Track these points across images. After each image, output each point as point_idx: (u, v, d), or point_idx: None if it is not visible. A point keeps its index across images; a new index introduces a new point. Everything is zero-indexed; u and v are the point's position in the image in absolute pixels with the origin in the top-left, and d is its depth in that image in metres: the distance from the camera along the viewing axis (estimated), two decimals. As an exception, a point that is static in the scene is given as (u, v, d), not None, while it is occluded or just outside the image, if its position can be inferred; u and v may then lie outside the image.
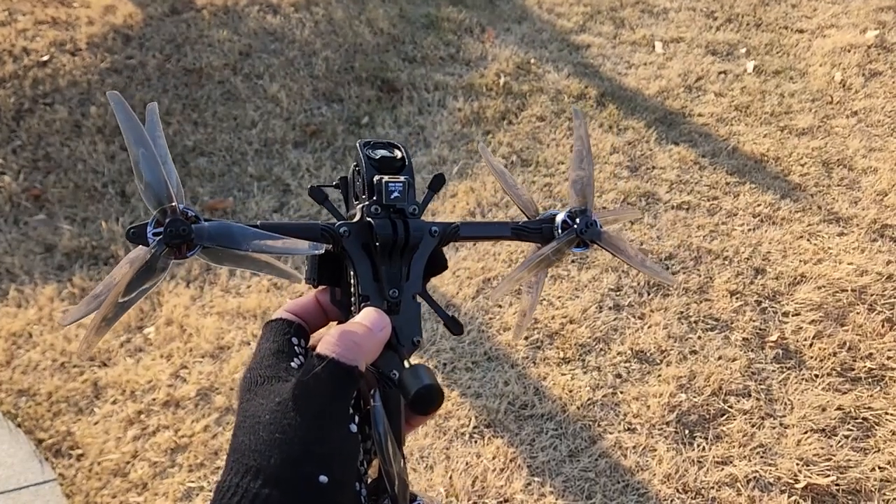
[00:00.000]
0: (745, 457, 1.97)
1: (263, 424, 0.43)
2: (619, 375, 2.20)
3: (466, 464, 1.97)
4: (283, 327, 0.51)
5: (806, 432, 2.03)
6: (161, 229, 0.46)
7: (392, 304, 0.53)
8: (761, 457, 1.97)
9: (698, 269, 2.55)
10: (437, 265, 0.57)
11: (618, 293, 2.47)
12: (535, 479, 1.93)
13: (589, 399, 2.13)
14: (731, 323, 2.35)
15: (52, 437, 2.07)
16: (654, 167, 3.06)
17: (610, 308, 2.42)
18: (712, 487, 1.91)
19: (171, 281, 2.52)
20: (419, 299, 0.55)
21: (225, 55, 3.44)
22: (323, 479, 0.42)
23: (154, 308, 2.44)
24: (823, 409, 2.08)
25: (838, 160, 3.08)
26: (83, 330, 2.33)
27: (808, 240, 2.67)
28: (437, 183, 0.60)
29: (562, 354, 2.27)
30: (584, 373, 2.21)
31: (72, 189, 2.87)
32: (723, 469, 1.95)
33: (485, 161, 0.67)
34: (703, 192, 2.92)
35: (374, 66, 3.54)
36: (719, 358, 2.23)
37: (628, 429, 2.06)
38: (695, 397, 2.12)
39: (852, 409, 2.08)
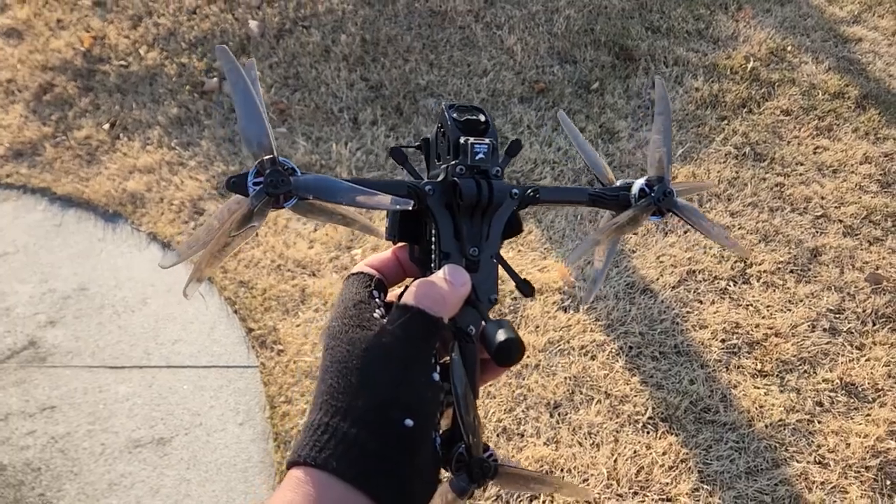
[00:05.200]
0: (954, 529, 1.74)
1: (351, 369, 0.45)
2: (820, 403, 2.02)
3: (634, 452, 1.92)
4: (364, 280, 0.53)
5: None
6: (261, 179, 0.48)
7: (471, 262, 0.54)
8: (975, 534, 1.73)
9: (941, 310, 2.24)
10: (514, 228, 0.58)
11: (837, 316, 2.25)
12: (705, 486, 1.84)
13: (780, 420, 1.97)
14: (970, 378, 2.05)
15: (260, 329, 2.28)
16: (910, 186, 2.71)
17: (825, 330, 2.20)
18: (906, 551, 1.71)
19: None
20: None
21: (471, 1, 3.50)
22: (409, 422, 0.43)
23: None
24: None
25: None
26: (300, 239, 2.54)
27: None
28: (514, 148, 0.59)
29: (759, 366, 2.11)
30: (781, 391, 2.04)
31: (312, 109, 3.09)
32: (924, 535, 1.73)
33: (562, 125, 0.64)
34: (966, 224, 2.55)
35: (615, 31, 3.43)
36: (946, 413, 1.97)
37: (819, 462, 1.89)
38: (907, 449, 1.90)
39: None
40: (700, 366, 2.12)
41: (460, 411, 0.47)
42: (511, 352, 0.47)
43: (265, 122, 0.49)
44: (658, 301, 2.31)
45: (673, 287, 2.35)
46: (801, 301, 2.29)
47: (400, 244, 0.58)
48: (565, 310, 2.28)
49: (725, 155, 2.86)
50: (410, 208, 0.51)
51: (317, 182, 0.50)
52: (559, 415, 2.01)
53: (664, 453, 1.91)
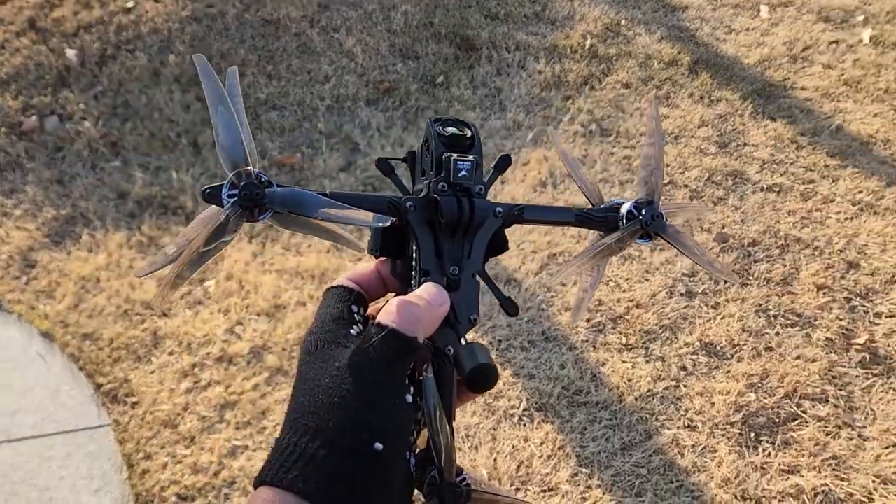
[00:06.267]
0: (814, 468, 1.82)
1: (322, 388, 0.44)
2: (683, 368, 2.07)
3: (513, 447, 1.90)
4: (343, 294, 0.53)
5: (888, 447, 1.85)
6: (236, 192, 0.48)
7: (452, 280, 0.53)
8: (833, 469, 1.81)
9: (783, 259, 2.36)
10: (498, 246, 0.57)
11: (691, 279, 2.32)
12: (583, 469, 1.84)
13: (649, 391, 2.01)
14: (815, 320, 2.16)
15: (111, 383, 2.12)
16: (745, 144, 2.84)
17: (681, 294, 2.27)
18: (774, 497, 1.77)
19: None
20: (477, 278, 0.56)
21: (303, 6, 3.39)
22: (378, 446, 0.43)
23: (216, 262, 2.45)
24: (911, 425, 1.89)
25: (958, 146, 2.78)
26: (147, 279, 2.37)
27: (912, 234, 2.42)
28: (504, 163, 0.59)
29: (624, 340, 2.14)
30: (647, 362, 2.08)
31: (147, 137, 2.90)
32: (788, 479, 1.80)
33: (554, 146, 0.62)
34: (798, 174, 2.69)
35: (455, 22, 3.41)
36: (797, 357, 2.06)
37: (688, 426, 1.93)
38: (765, 398, 1.97)
39: (945, 428, 1.88)
40: (568, 349, 2.13)
41: (432, 433, 0.47)
42: (480, 378, 0.46)
43: (242, 134, 0.49)
44: (523, 290, 2.31)
45: (535, 273, 2.35)
46: (658, 269, 2.35)
47: (382, 258, 0.56)
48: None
49: (574, 134, 2.91)
50: (388, 224, 0.51)
51: (291, 195, 0.49)
52: (435, 422, 1.96)
53: (542, 443, 1.90)
